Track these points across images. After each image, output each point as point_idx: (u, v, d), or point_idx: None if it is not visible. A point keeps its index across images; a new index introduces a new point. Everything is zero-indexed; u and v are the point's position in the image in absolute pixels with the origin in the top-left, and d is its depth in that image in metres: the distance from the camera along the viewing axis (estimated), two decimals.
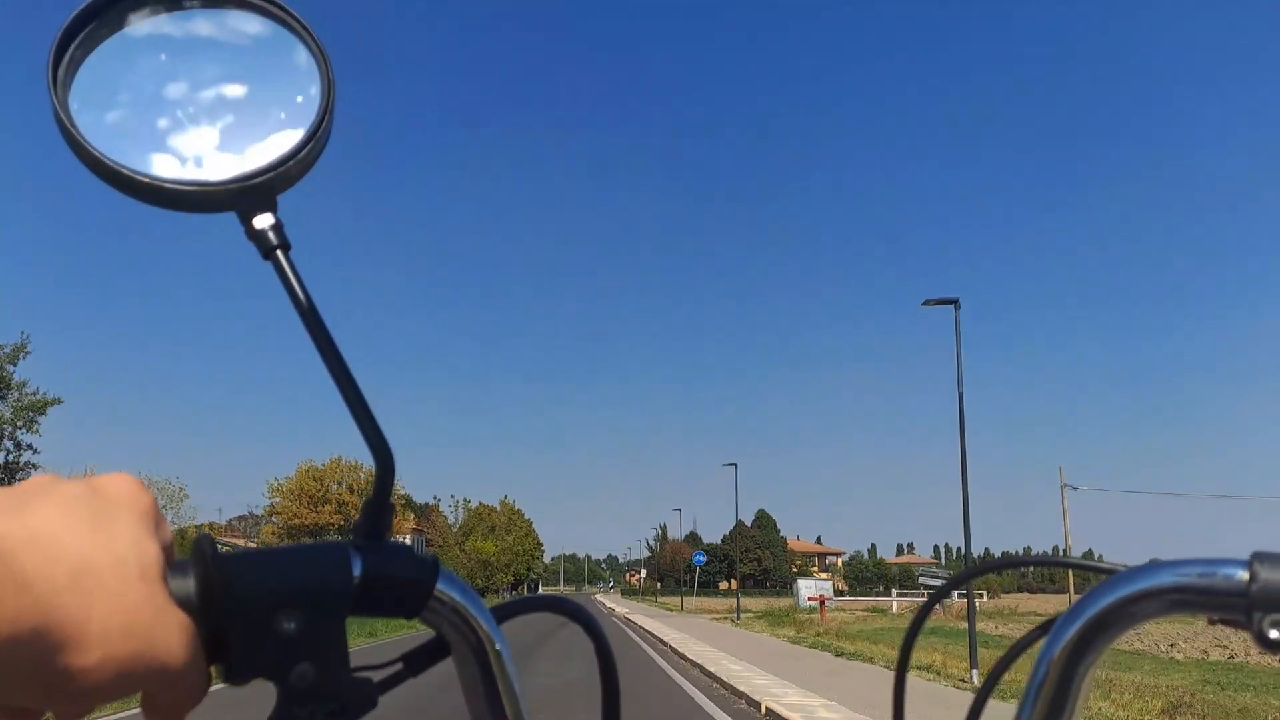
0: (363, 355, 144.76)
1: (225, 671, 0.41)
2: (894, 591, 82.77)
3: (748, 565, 58.68)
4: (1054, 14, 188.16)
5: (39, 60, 0.46)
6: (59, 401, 30.81)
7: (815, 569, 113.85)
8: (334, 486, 50.19)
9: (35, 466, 30.62)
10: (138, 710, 0.40)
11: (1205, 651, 25.59)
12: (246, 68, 0.50)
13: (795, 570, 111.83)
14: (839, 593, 77.08)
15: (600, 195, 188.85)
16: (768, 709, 10.55)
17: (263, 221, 0.47)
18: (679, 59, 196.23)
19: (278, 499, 50.37)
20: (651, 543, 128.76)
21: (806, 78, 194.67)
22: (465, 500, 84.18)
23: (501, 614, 0.51)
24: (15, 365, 29.22)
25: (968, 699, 1.48)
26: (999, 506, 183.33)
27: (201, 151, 0.48)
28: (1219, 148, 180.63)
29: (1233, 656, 23.61)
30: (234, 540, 55.20)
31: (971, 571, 0.68)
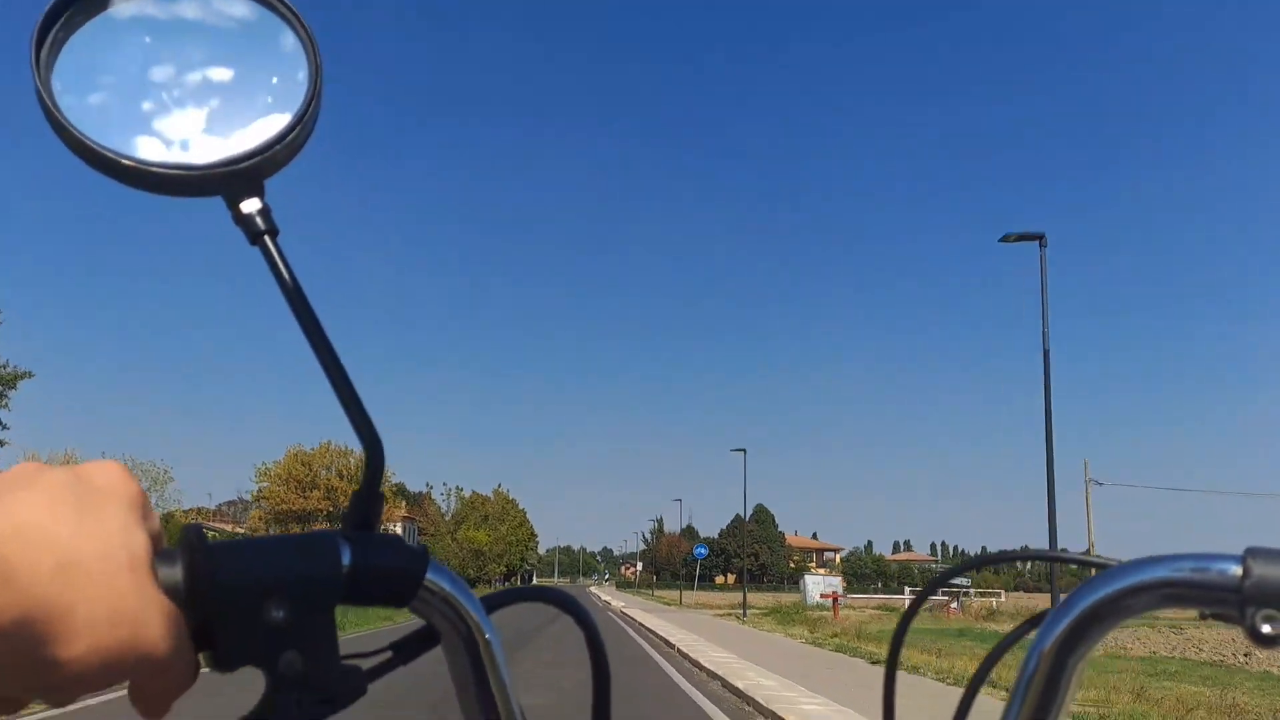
0: (359, 344, 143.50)
1: (213, 660, 0.41)
2: (906, 589, 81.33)
3: (745, 560, 57.53)
4: None
5: (19, 42, 0.46)
6: (29, 375, 29.56)
7: (813, 565, 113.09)
8: (323, 472, 49.28)
9: (2, 444, 29.34)
10: (124, 693, 0.40)
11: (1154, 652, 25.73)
12: (233, 51, 0.50)
13: (793, 565, 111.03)
14: None
15: (601, 186, 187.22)
16: None
17: (249, 206, 0.47)
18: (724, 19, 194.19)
19: (265, 484, 49.03)
20: (647, 535, 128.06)
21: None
22: (458, 488, 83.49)
23: (491, 604, 0.51)
24: None
25: (993, 707, 0.72)
26: (1018, 501, 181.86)
27: (187, 135, 0.48)
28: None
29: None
30: (221, 526, 54.00)
31: (962, 566, 0.67)
